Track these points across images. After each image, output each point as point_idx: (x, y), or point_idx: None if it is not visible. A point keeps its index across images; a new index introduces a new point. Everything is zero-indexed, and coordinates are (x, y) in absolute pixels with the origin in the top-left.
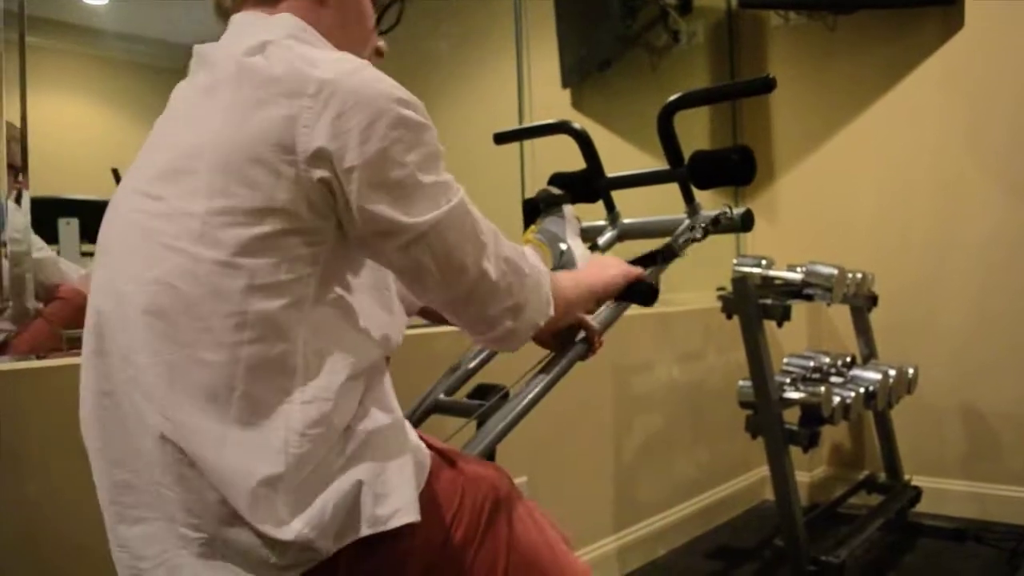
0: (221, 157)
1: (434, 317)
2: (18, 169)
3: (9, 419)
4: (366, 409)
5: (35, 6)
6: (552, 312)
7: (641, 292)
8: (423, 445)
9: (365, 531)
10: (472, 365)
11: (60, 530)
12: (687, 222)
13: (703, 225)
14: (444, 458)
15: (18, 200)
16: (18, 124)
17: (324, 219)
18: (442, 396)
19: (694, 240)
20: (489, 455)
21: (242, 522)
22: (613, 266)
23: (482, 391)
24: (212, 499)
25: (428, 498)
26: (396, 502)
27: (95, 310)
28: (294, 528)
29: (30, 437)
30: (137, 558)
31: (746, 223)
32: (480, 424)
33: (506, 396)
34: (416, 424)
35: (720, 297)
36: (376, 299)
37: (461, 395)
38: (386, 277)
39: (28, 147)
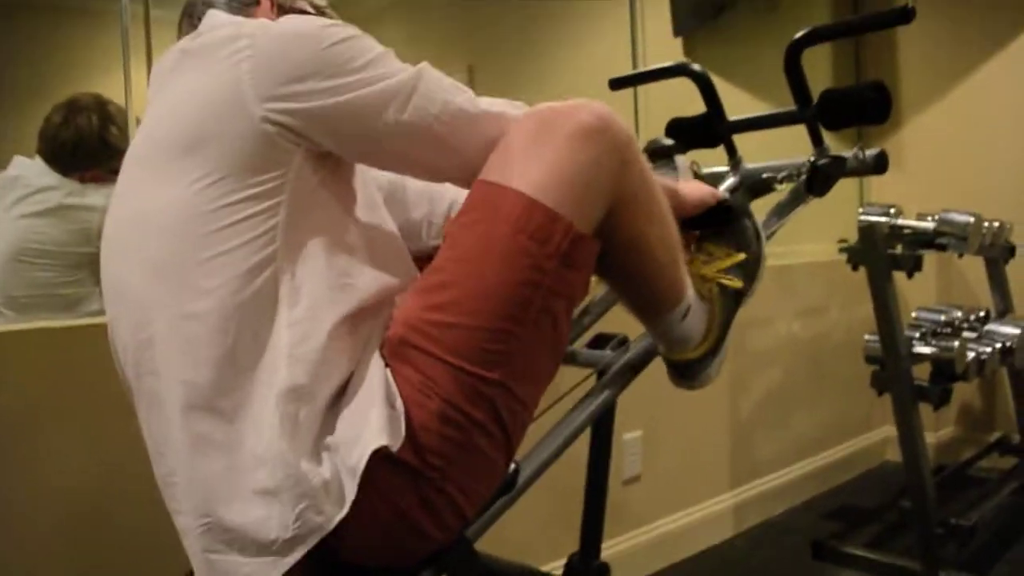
0: None
1: None
2: None
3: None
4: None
5: None
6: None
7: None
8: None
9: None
10: (590, 316)
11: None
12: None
13: (813, 163)
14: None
15: None
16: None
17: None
18: None
19: (797, 176)
20: (609, 407)
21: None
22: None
23: (601, 340)
24: None
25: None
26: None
27: None
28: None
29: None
30: None
31: (879, 165)
32: (600, 374)
33: (627, 345)
34: None
35: (844, 248)
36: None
37: (579, 345)
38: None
39: None
